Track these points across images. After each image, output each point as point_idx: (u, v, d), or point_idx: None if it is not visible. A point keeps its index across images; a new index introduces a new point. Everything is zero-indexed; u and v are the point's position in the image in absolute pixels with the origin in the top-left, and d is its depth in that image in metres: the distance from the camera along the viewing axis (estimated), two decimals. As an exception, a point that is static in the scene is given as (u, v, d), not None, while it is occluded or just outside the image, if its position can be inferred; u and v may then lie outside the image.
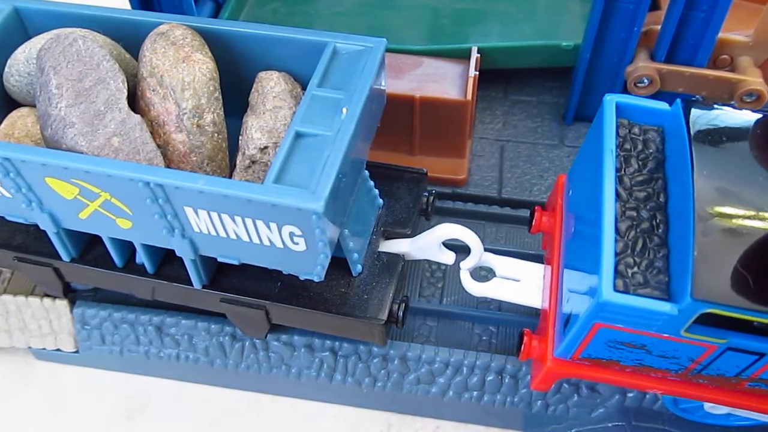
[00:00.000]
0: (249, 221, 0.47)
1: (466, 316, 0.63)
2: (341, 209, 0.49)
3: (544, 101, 0.80)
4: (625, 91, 0.72)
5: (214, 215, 0.48)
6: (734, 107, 0.53)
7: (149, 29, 0.55)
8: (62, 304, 0.64)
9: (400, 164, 0.64)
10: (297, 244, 0.48)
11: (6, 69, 0.56)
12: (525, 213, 0.70)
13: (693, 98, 0.53)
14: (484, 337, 0.63)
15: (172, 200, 0.48)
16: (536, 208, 0.59)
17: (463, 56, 0.74)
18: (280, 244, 0.49)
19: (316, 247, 0.47)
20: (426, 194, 0.62)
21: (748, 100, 0.67)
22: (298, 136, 0.48)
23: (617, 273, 0.43)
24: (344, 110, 0.48)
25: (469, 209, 0.70)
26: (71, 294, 0.65)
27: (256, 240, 0.49)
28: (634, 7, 0.65)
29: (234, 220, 0.48)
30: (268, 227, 0.47)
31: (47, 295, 0.65)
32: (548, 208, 0.60)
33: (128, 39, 0.57)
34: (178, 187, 0.46)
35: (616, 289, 0.42)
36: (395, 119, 0.68)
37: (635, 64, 0.68)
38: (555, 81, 0.81)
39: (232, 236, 0.49)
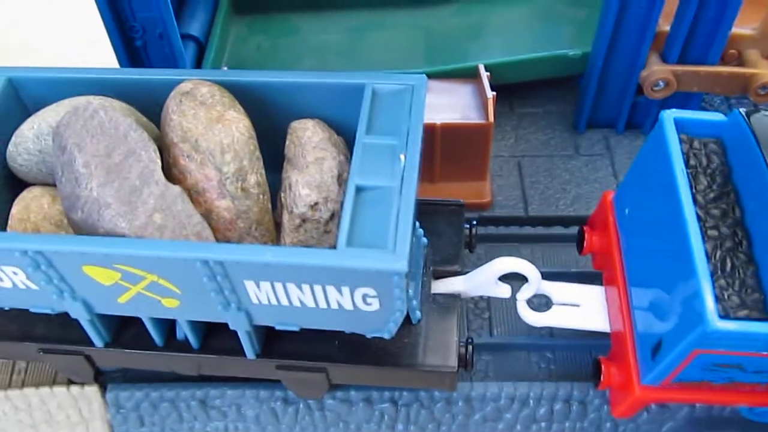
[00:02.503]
0: (318, 287, 0.44)
1: (520, 346, 0.62)
2: (411, 261, 0.46)
3: (550, 111, 0.79)
4: (638, 94, 0.72)
5: (278, 285, 0.44)
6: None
7: (162, 88, 0.51)
8: (92, 390, 0.59)
9: (433, 197, 0.62)
10: (370, 305, 0.45)
11: (11, 147, 0.51)
12: (558, 230, 0.68)
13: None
14: (542, 365, 0.61)
15: (231, 276, 0.44)
16: (584, 228, 0.58)
17: (467, 75, 0.72)
18: (350, 307, 0.46)
19: (393, 305, 0.45)
20: (467, 226, 0.60)
21: (763, 93, 0.67)
22: (359, 190, 0.45)
23: (715, 298, 0.42)
24: (402, 157, 0.46)
25: (501, 233, 0.68)
26: (101, 378, 0.60)
27: (323, 305, 0.46)
28: (645, 12, 0.65)
29: (300, 288, 0.44)
30: (339, 292, 0.44)
31: (72, 382, 0.60)
32: (596, 227, 0.58)
33: (139, 101, 0.53)
34: (240, 262, 0.43)
35: (720, 316, 0.41)
36: (414, 149, 0.66)
37: (649, 68, 0.68)
38: (557, 89, 0.80)
39: (296, 304, 0.46)
